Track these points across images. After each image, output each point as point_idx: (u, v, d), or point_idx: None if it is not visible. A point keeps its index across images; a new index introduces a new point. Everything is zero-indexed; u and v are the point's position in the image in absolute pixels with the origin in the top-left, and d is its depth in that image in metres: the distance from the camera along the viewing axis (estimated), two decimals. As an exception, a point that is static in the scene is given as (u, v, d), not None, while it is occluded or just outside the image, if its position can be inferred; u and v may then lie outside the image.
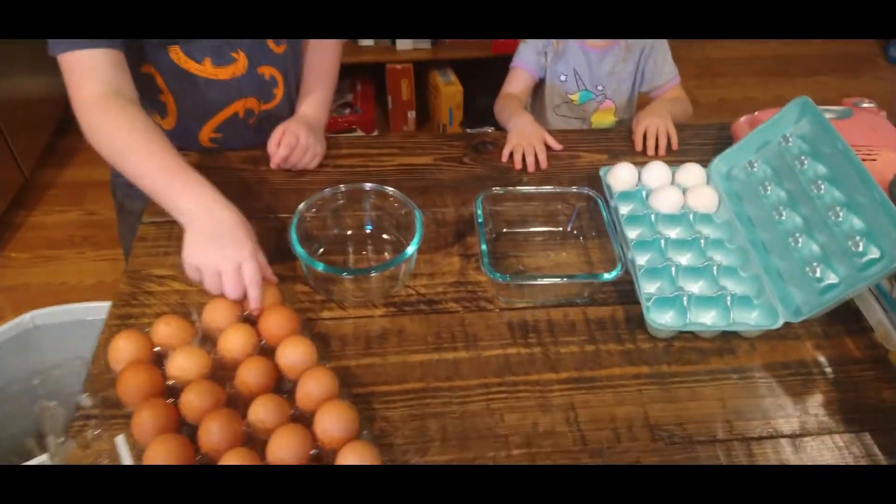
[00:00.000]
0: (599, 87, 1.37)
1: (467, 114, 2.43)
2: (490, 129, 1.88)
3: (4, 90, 2.10)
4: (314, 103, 1.13)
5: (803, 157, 0.92)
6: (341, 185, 0.92)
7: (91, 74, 0.86)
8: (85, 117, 0.86)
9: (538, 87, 1.41)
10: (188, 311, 0.82)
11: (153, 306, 0.87)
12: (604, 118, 1.42)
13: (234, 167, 1.09)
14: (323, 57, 1.15)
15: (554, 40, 1.33)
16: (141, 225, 0.98)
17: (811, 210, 0.88)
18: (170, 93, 1.02)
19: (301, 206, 0.88)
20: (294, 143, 1.04)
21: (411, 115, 2.49)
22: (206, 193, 0.82)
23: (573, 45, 1.34)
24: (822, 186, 0.87)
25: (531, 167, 1.09)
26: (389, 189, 0.92)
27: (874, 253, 0.79)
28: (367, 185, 0.93)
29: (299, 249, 0.83)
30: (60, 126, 2.42)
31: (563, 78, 1.38)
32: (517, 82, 1.36)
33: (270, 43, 1.06)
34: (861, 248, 0.80)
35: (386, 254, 0.95)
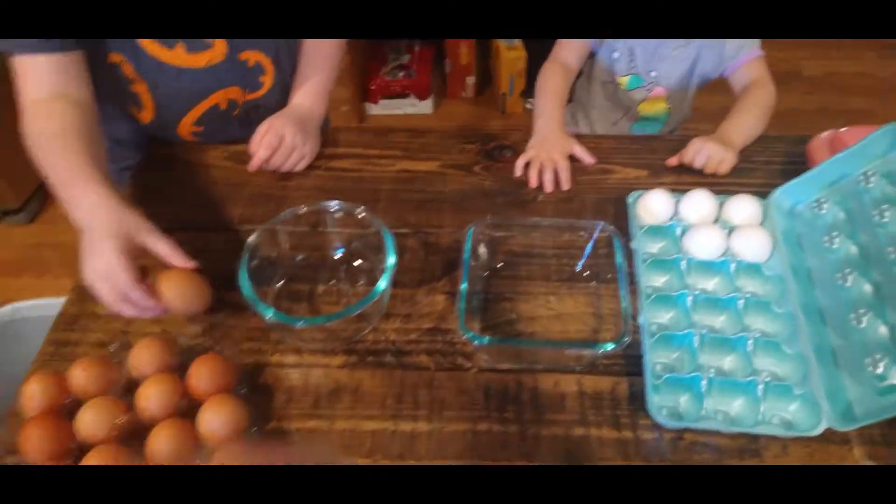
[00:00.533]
0: (653, 73, 1.17)
1: (531, 82, 2.21)
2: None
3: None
4: (309, 92, 1.00)
5: (885, 207, 0.71)
6: (302, 206, 0.79)
7: (34, 80, 0.80)
8: (24, 123, 0.79)
9: (591, 57, 1.22)
10: (116, 352, 0.72)
11: (93, 333, 0.78)
12: (653, 106, 1.22)
13: (215, 164, 0.98)
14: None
15: None
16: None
17: (886, 279, 0.68)
18: (143, 82, 0.91)
19: (252, 237, 0.76)
20: (276, 143, 0.91)
21: (470, 80, 2.31)
22: (100, 202, 0.72)
23: None
24: (905, 251, 0.67)
25: (548, 186, 0.92)
26: (360, 209, 0.79)
27: (963, 355, 0.60)
28: (333, 205, 0.80)
29: (247, 291, 0.71)
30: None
31: (615, 55, 1.18)
32: (570, 48, 1.15)
33: None
34: (945, 348, 0.60)
35: (361, 283, 0.82)
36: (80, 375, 0.68)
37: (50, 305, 1.07)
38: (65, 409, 0.68)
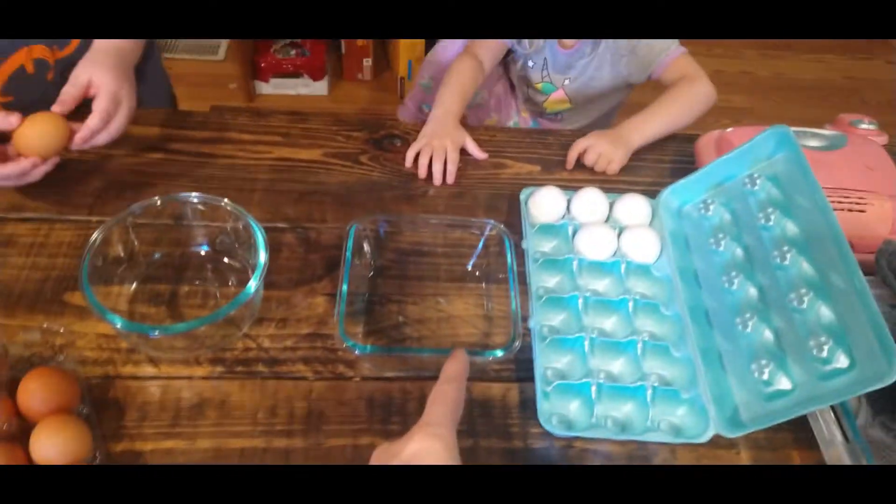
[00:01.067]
0: (566, 81, 1.18)
1: (429, 67, 2.17)
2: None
3: None
4: None
5: (770, 210, 0.71)
6: (156, 198, 0.70)
7: None
8: None
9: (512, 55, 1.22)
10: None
11: None
12: (556, 105, 1.23)
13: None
14: None
15: None
16: (-79, 221, 0.76)
17: (771, 284, 0.68)
18: None
19: (96, 234, 0.66)
20: (109, 117, 0.76)
21: (367, 62, 2.23)
22: None
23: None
24: (789, 255, 0.67)
25: (437, 179, 0.88)
26: (224, 201, 0.71)
27: (842, 361, 0.60)
28: (194, 196, 0.71)
29: (91, 298, 0.62)
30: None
31: (530, 64, 1.18)
32: (485, 46, 1.11)
33: None
34: (825, 353, 0.60)
35: (230, 284, 0.74)
36: None
37: None
38: None
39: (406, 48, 2.10)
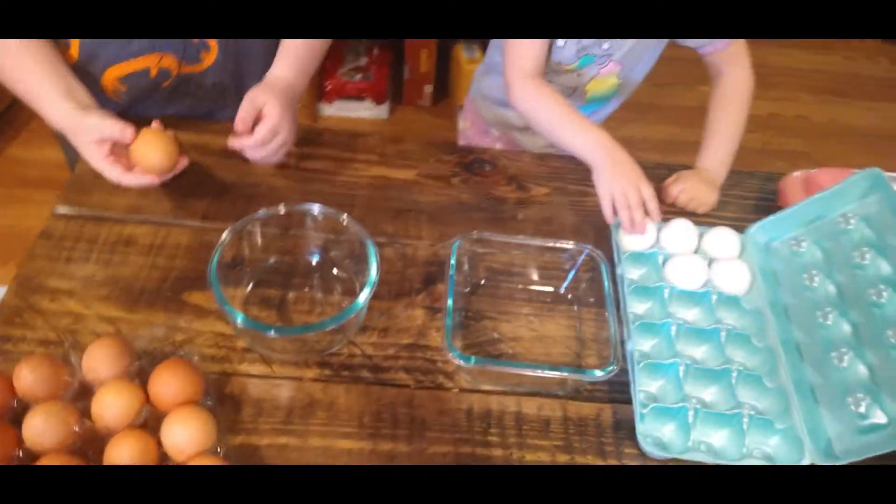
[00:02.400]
0: (605, 45, 1.00)
1: (488, 97, 2.22)
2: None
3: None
4: (294, 64, 0.88)
5: (865, 250, 0.73)
6: (280, 206, 0.75)
7: None
8: None
9: None
10: (67, 353, 0.65)
11: (38, 330, 0.71)
12: (603, 83, 1.06)
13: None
14: None
15: None
16: (52, 217, 0.81)
17: (866, 321, 0.70)
18: None
19: (225, 234, 0.70)
20: (269, 138, 0.81)
21: (428, 89, 2.29)
22: (63, 115, 0.77)
23: None
24: (885, 293, 0.69)
25: (642, 228, 0.83)
26: (343, 216, 0.75)
27: (942, 399, 0.61)
28: (316, 208, 0.75)
29: (218, 293, 0.66)
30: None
31: (560, 43, 0.99)
32: (532, 51, 0.94)
33: None
34: (926, 391, 0.62)
35: (335, 293, 0.78)
36: (28, 376, 0.61)
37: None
38: (10, 413, 0.60)
39: (467, 76, 2.15)
